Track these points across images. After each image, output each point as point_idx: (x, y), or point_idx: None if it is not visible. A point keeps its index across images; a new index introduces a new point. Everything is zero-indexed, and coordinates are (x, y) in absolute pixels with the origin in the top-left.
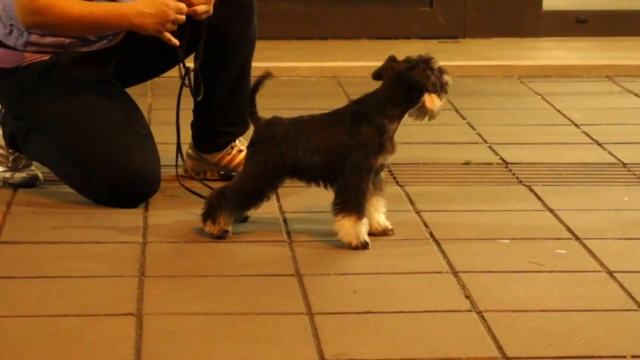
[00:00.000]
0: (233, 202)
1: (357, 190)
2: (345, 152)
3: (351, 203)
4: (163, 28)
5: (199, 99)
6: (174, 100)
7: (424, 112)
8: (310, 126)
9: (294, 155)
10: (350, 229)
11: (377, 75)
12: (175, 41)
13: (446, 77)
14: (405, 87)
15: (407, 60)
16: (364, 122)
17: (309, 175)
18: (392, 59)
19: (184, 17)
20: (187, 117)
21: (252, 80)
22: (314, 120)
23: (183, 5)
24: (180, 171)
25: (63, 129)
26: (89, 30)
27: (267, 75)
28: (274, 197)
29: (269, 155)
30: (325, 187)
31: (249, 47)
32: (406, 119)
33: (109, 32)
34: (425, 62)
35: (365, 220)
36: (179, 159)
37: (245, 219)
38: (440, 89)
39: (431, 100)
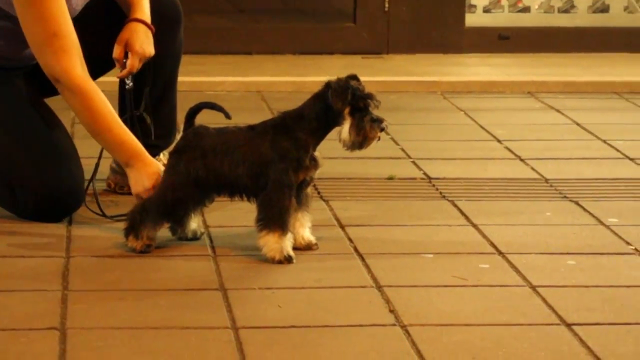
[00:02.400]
0: (154, 214)
1: (280, 206)
2: (268, 164)
3: (274, 219)
4: (136, 193)
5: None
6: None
7: (339, 139)
8: (237, 137)
9: (219, 166)
10: (275, 244)
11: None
12: None
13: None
14: (323, 100)
15: (338, 79)
16: (283, 134)
17: (233, 188)
18: (351, 77)
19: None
20: None
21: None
22: (240, 132)
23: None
24: (105, 185)
25: None
26: (95, 137)
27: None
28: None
29: (193, 165)
30: (249, 199)
31: (174, 59)
32: (331, 133)
33: (109, 152)
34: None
35: (289, 235)
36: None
37: (198, 237)
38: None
39: (343, 128)
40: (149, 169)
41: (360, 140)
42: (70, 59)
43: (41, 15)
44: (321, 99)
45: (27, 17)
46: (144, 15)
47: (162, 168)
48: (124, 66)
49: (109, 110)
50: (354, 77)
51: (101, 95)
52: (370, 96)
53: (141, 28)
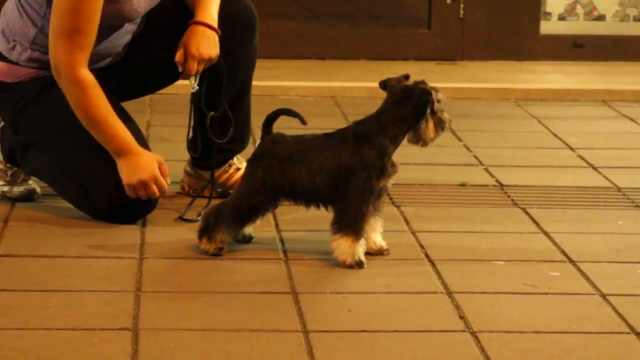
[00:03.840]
0: (229, 219)
1: (357, 212)
2: (349, 174)
3: (350, 224)
4: (133, 187)
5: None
6: (172, 116)
7: (418, 138)
8: (314, 145)
9: (297, 175)
10: (347, 248)
11: (383, 84)
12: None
13: (447, 115)
14: (409, 103)
15: (415, 81)
16: (366, 143)
17: (309, 196)
18: (405, 76)
19: (157, 191)
20: (185, 134)
21: (254, 98)
22: (318, 140)
23: (164, 183)
24: (178, 188)
25: (63, 145)
26: (90, 129)
27: (301, 118)
28: (270, 216)
29: (270, 172)
30: (326, 208)
31: (250, 64)
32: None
33: (102, 143)
34: (433, 89)
35: (362, 242)
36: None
37: (249, 240)
38: (438, 121)
39: (427, 128)
40: (142, 159)
41: (439, 135)
42: (80, 56)
43: (74, 9)
44: (402, 105)
45: (61, 6)
46: (206, 17)
47: (160, 158)
48: (182, 77)
49: (105, 104)
50: (407, 77)
51: (99, 89)
52: (444, 108)
53: (201, 30)
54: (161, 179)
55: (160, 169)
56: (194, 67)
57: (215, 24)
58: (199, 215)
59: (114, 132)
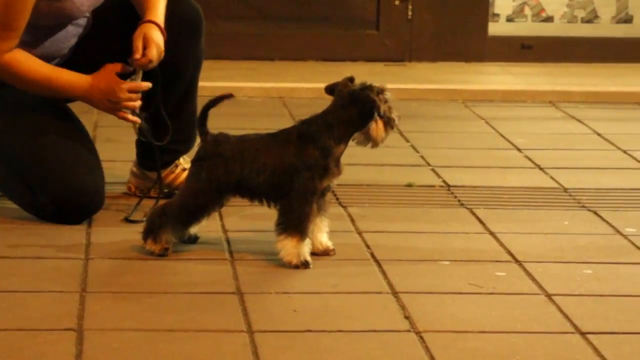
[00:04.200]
0: (175, 219)
1: (301, 212)
2: (292, 173)
3: (294, 224)
4: (113, 106)
5: (164, 142)
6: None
7: (368, 139)
8: (258, 145)
9: (240, 173)
10: (292, 249)
11: (330, 89)
12: (134, 119)
13: (395, 113)
14: (356, 108)
15: (362, 82)
16: (309, 143)
17: (253, 194)
18: (349, 79)
19: (136, 104)
20: (133, 135)
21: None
22: (262, 139)
23: (136, 85)
24: (125, 189)
25: (7, 145)
26: (45, 92)
27: (228, 95)
28: (216, 216)
29: (215, 172)
30: (269, 205)
31: (195, 65)
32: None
33: (62, 97)
34: (379, 90)
35: (307, 241)
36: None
37: (194, 240)
38: (387, 121)
39: (377, 128)
40: (101, 76)
41: (389, 134)
42: (5, 46)
43: (4, 3)
44: (349, 106)
45: None
46: (157, 18)
47: (111, 66)
48: (140, 60)
49: (39, 66)
50: (352, 79)
51: (27, 58)
52: (393, 107)
53: (153, 29)
54: (126, 85)
55: (117, 72)
56: (155, 53)
57: (162, 28)
58: (145, 216)
59: (64, 81)
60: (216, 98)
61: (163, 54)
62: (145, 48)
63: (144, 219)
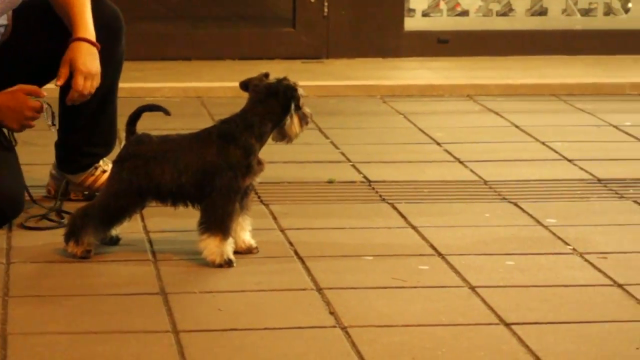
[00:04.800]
0: (96, 221)
1: (223, 211)
2: (214, 173)
3: (216, 223)
4: (20, 123)
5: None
6: (37, 120)
7: (283, 135)
8: (180, 146)
9: (161, 175)
10: (215, 248)
11: (244, 85)
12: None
13: (307, 109)
14: (273, 101)
15: (277, 77)
16: (231, 142)
17: (175, 195)
18: (264, 75)
19: (38, 115)
20: (52, 137)
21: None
22: (183, 139)
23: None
24: (44, 192)
25: None
26: None
27: (166, 111)
28: (138, 217)
29: (136, 173)
30: (193, 206)
31: (115, 68)
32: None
33: None
34: (294, 84)
35: (230, 240)
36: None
37: (116, 241)
38: (302, 116)
39: (293, 124)
40: (9, 100)
41: (303, 130)
42: None
43: None
44: (267, 102)
45: None
46: (86, 32)
47: (20, 86)
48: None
49: None
50: (267, 75)
51: None
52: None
53: (84, 47)
54: (34, 105)
55: (25, 89)
56: (81, 81)
57: (94, 38)
58: (37, 222)
59: None
60: (152, 105)
61: (96, 68)
62: (71, 76)
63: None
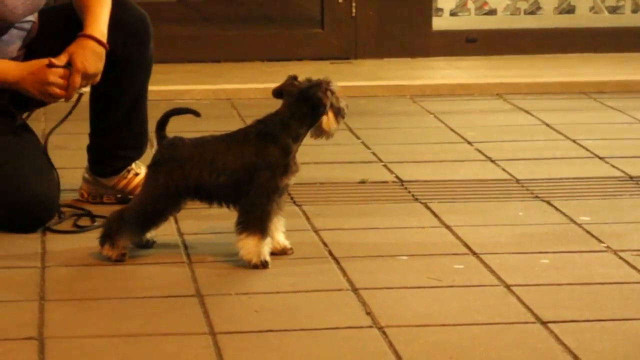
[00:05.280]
0: (132, 225)
1: (262, 211)
2: (253, 173)
3: (255, 222)
4: (43, 88)
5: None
6: (67, 124)
7: (320, 132)
8: (215, 147)
9: (199, 176)
10: (253, 247)
11: (277, 93)
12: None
13: (343, 102)
14: (307, 105)
15: (308, 79)
16: (270, 142)
17: (212, 196)
18: (293, 78)
19: (61, 82)
20: (83, 141)
21: (150, 104)
22: (218, 141)
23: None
24: (77, 195)
25: None
26: None
27: (195, 112)
28: (171, 220)
29: (172, 176)
30: (228, 207)
31: (145, 71)
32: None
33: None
34: (325, 84)
35: (268, 240)
36: None
37: (151, 244)
38: (337, 111)
39: (328, 121)
40: (32, 67)
41: (340, 123)
42: None
43: None
44: (300, 106)
45: None
46: (96, 31)
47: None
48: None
49: None
50: (295, 77)
51: None
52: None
53: (90, 44)
54: (57, 70)
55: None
56: (77, 81)
57: (104, 39)
58: (73, 225)
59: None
60: (181, 109)
61: (96, 68)
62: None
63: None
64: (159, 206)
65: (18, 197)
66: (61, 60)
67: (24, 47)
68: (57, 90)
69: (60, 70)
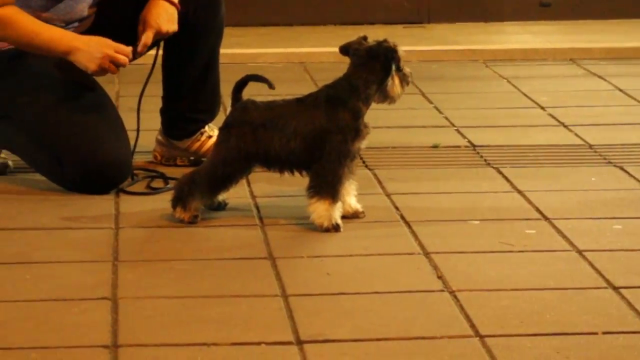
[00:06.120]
0: (203, 187)
1: (334, 175)
2: (324, 137)
3: (326, 187)
4: (99, 62)
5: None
6: (140, 86)
7: (385, 96)
8: (287, 111)
9: (270, 140)
10: (324, 211)
11: (344, 49)
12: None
13: (407, 69)
14: (375, 64)
15: (376, 40)
16: (339, 106)
17: (283, 162)
18: (363, 38)
19: (124, 58)
20: (157, 104)
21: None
22: (290, 105)
23: (125, 49)
24: (151, 157)
25: (33, 117)
26: (33, 49)
27: (270, 83)
28: (244, 182)
29: (243, 139)
30: (300, 173)
31: (217, 35)
32: (373, 104)
33: (50, 55)
34: (394, 45)
35: (339, 205)
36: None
37: (223, 207)
38: (402, 77)
39: (394, 85)
40: (92, 42)
41: (404, 90)
42: None
43: None
44: (369, 65)
45: None
46: None
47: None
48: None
49: (29, 21)
50: (366, 38)
51: (17, 13)
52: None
53: (162, 4)
54: (119, 46)
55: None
56: (150, 38)
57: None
58: (146, 187)
59: (51, 37)
60: (258, 76)
61: (170, 28)
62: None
63: (167, 186)
64: (230, 169)
65: (92, 159)
66: (140, 29)
67: (95, 4)
68: (122, 57)
69: (120, 46)
